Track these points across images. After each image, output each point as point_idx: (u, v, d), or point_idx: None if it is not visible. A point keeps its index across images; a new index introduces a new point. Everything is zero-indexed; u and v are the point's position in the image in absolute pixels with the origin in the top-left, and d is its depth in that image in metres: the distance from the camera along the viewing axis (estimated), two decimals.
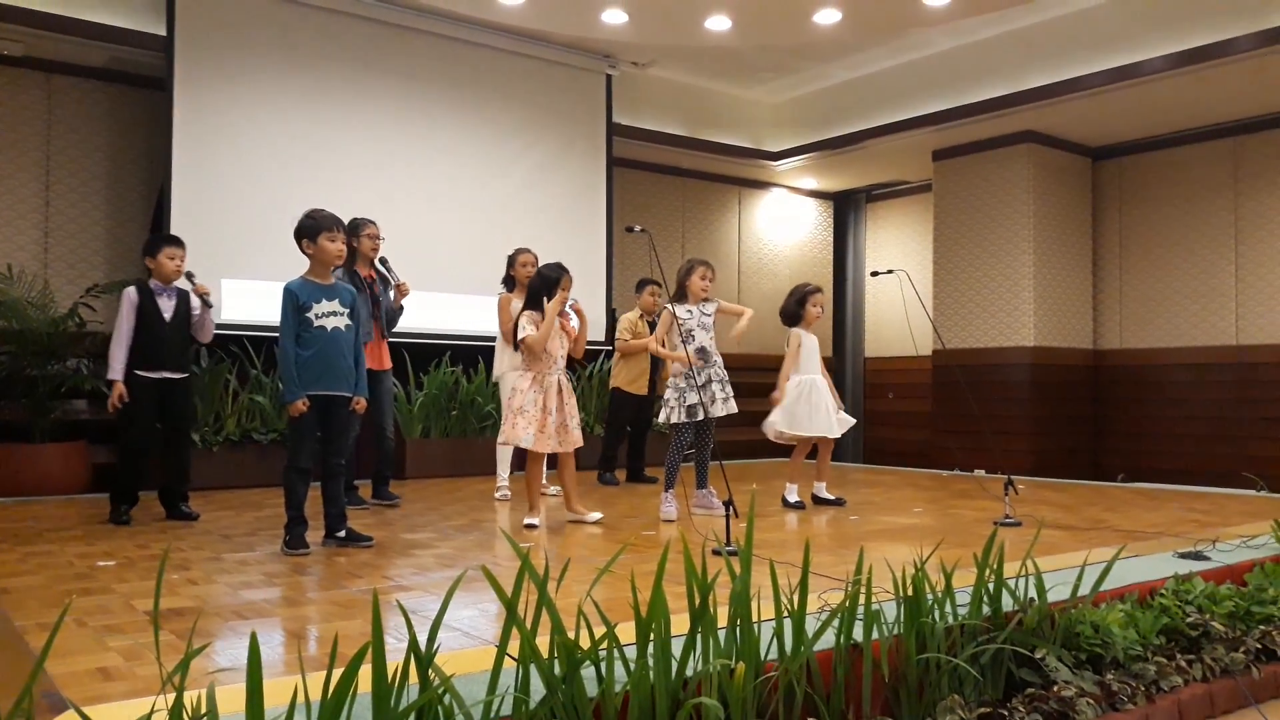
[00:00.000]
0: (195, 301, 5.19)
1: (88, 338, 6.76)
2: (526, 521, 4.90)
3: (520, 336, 4.91)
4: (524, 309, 4.99)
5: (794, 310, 5.82)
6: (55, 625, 1.76)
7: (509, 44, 8.45)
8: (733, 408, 5.37)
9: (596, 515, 5.05)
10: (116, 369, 4.96)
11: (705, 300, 5.45)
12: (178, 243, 5.19)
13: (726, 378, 5.40)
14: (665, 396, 5.39)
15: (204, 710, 1.66)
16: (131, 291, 5.04)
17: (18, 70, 7.07)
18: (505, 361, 6.11)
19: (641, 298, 7.13)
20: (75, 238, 7.28)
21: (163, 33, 6.98)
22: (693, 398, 5.23)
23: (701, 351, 5.32)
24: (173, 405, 5.12)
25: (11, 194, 7.06)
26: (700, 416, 5.23)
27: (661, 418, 5.37)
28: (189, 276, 5.19)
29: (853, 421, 5.81)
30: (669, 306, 5.33)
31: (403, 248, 6.23)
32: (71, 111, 7.29)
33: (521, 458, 6.40)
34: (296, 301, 4.16)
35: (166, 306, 5.08)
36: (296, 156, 7.46)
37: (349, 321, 4.28)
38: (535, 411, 4.88)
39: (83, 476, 6.52)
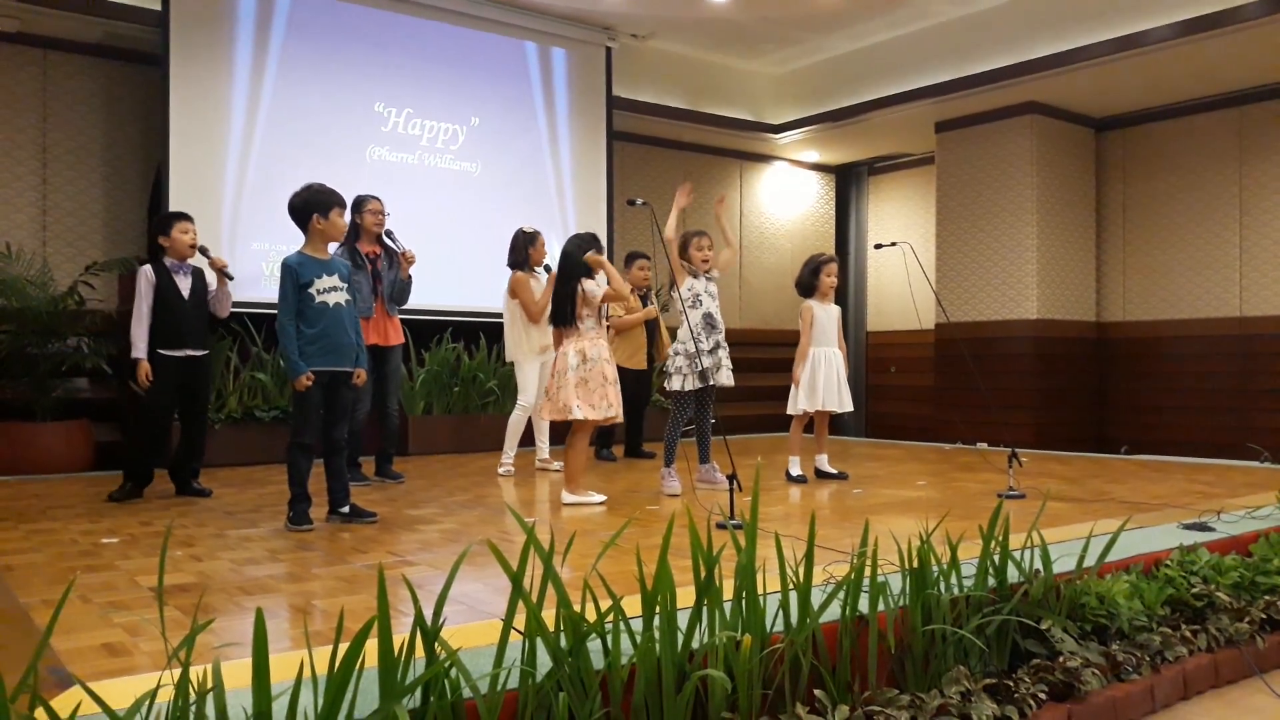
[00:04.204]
0: (211, 276, 5.17)
1: (87, 316, 6.75)
2: (596, 500, 4.82)
3: (603, 293, 4.81)
4: (576, 280, 4.87)
5: (808, 281, 5.79)
6: (60, 602, 1.75)
7: (506, 17, 8.38)
8: (729, 380, 5.38)
9: (600, 497, 4.93)
10: (140, 348, 4.92)
11: (709, 272, 5.44)
12: (187, 217, 5.15)
13: (725, 354, 5.40)
14: (676, 364, 5.33)
15: (210, 685, 1.66)
16: (148, 270, 4.99)
17: (13, 47, 7.02)
18: (535, 339, 6.06)
19: (630, 272, 7.05)
20: (73, 215, 7.25)
21: (158, 7, 6.91)
22: (709, 361, 5.23)
23: (708, 318, 5.32)
24: (194, 383, 5.09)
25: (8, 171, 7.03)
26: (711, 381, 5.23)
27: (676, 385, 5.33)
28: (203, 251, 5.16)
29: (851, 406, 5.79)
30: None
31: (401, 224, 6.18)
32: (67, 88, 7.24)
33: (525, 433, 6.41)
34: (297, 278, 4.12)
35: (184, 284, 5.04)
36: (294, 132, 7.41)
37: (347, 296, 4.26)
38: (614, 382, 4.83)
39: (85, 455, 6.53)
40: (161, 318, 4.96)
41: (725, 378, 5.33)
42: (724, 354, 5.35)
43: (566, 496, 4.83)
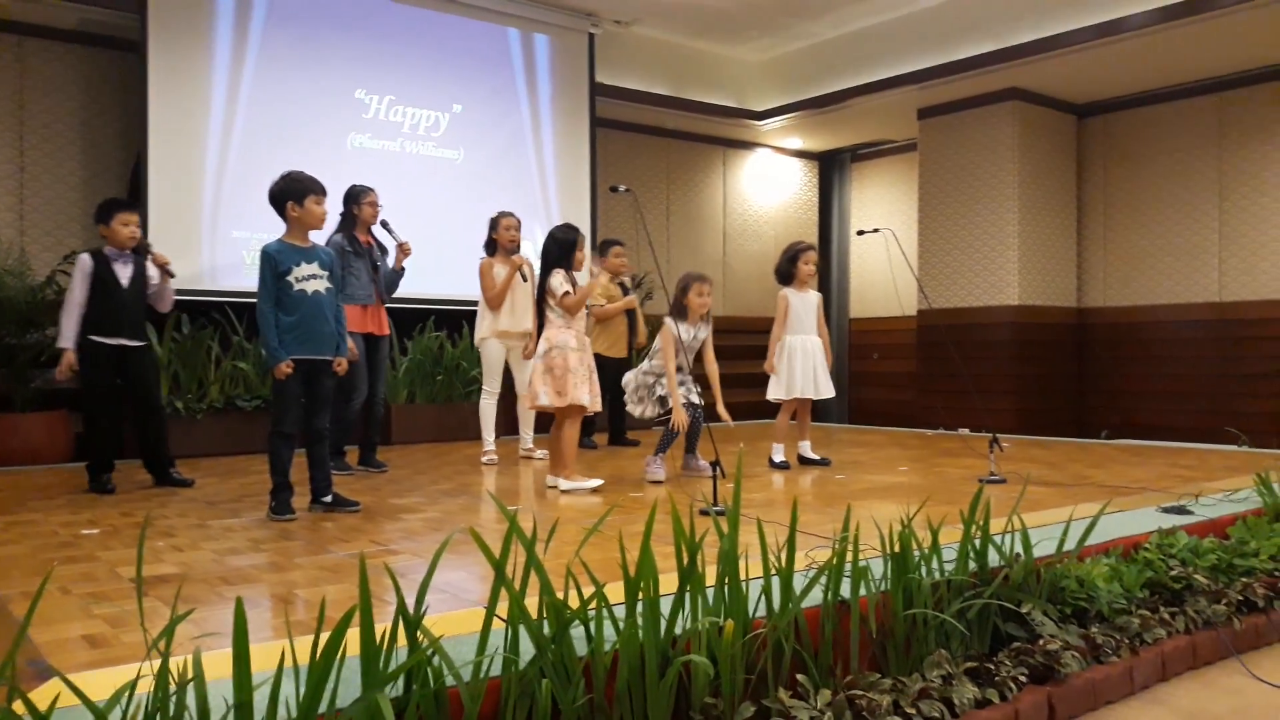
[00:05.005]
0: (154, 271, 5.11)
1: None
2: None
3: (562, 294, 4.82)
4: (550, 270, 4.90)
5: (786, 269, 5.82)
6: (38, 593, 1.74)
7: (488, 3, 8.32)
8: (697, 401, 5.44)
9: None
10: (68, 336, 4.86)
11: (703, 320, 5.43)
12: (130, 207, 5.06)
13: (690, 382, 5.43)
14: (639, 395, 5.37)
15: (190, 675, 1.65)
16: (86, 259, 4.93)
17: None
18: (485, 325, 6.07)
19: (607, 260, 7.02)
20: (51, 204, 7.17)
21: None
22: (660, 390, 5.29)
23: (677, 368, 5.35)
24: (135, 374, 5.02)
25: None
26: (667, 409, 5.27)
27: (636, 412, 5.40)
28: (146, 249, 5.09)
29: (832, 393, 5.80)
30: (669, 321, 5.29)
31: (384, 212, 6.15)
32: (44, 75, 7.15)
33: (509, 422, 6.41)
34: (275, 266, 4.10)
35: (123, 273, 4.97)
36: (274, 119, 7.35)
37: (329, 284, 4.24)
38: (584, 371, 4.83)
39: (65, 445, 6.48)
40: (98, 305, 4.89)
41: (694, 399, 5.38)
42: (689, 385, 5.36)
43: (562, 484, 4.82)
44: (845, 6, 8.91)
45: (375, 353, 5.76)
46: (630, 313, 6.97)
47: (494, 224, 6.09)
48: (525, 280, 6.01)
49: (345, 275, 5.40)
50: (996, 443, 5.15)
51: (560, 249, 4.93)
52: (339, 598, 2.67)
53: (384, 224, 5.80)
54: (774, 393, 5.74)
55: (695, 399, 5.37)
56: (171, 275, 5.14)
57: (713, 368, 5.48)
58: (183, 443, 6.37)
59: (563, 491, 4.78)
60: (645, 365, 5.41)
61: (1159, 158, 9.14)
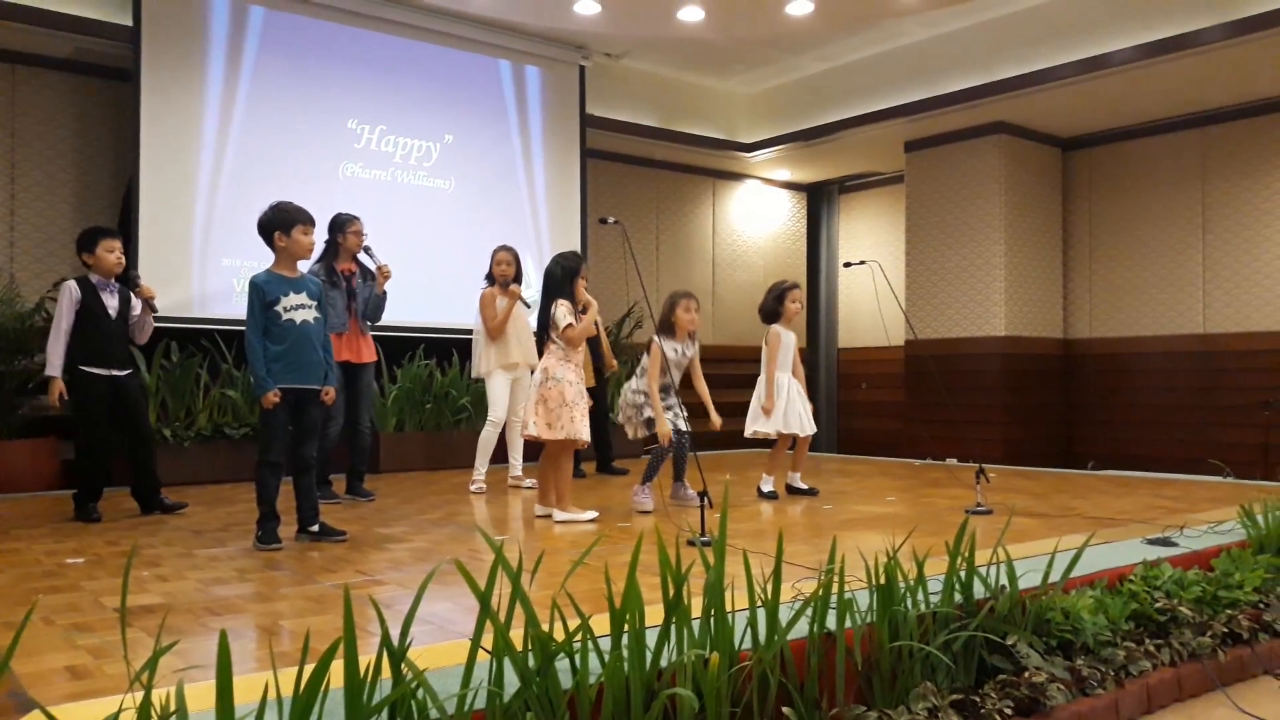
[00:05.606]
0: (137, 301, 5.09)
1: None
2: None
3: (564, 326, 4.83)
4: (554, 300, 4.91)
5: (773, 307, 5.82)
6: (21, 623, 1.73)
7: (480, 35, 8.40)
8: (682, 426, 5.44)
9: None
10: (55, 365, 4.82)
11: (691, 336, 5.47)
12: (114, 234, 5.02)
13: (678, 405, 5.45)
14: (626, 414, 5.39)
15: (173, 709, 1.64)
16: (73, 286, 4.89)
17: None
18: (492, 358, 6.07)
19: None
20: (42, 231, 7.17)
21: (129, 23, 6.88)
22: (648, 412, 5.29)
23: (664, 388, 5.38)
24: (126, 403, 4.99)
25: None
26: (654, 431, 5.28)
27: (629, 433, 5.42)
28: (134, 280, 5.08)
29: (814, 429, 5.81)
30: (657, 339, 5.31)
31: (374, 241, 6.16)
32: (36, 103, 7.17)
33: (498, 449, 6.40)
34: (264, 296, 4.12)
35: (110, 303, 4.95)
36: (266, 148, 7.38)
37: (317, 314, 4.25)
38: (583, 405, 4.85)
39: (51, 473, 6.44)
40: (87, 335, 4.87)
41: (680, 425, 5.40)
42: (676, 409, 5.38)
43: (558, 514, 4.82)
44: (833, 41, 9.02)
45: (354, 381, 5.74)
46: (592, 340, 6.94)
47: (491, 257, 6.16)
48: (529, 308, 6.05)
49: None
50: (983, 473, 5.17)
51: (564, 275, 4.96)
52: (324, 629, 2.66)
53: (366, 249, 5.82)
54: (767, 426, 5.70)
55: (683, 425, 5.38)
56: (154, 310, 5.11)
57: (701, 384, 5.53)
58: (170, 470, 6.31)
59: (558, 522, 4.77)
60: (633, 384, 5.41)
61: (1143, 191, 9.24)
